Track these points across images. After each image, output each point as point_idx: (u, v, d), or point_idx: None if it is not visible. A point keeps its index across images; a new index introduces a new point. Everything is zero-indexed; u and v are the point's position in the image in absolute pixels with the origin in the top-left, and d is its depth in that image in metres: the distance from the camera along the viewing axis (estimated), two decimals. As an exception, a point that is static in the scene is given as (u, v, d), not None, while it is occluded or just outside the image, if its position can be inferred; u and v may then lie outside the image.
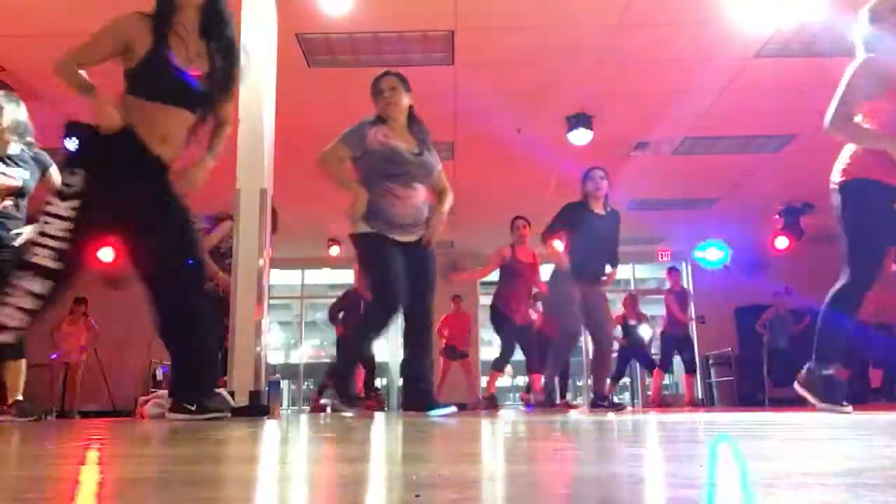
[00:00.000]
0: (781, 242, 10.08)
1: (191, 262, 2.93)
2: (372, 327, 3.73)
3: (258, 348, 4.38)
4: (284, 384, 12.07)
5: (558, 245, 5.36)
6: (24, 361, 3.98)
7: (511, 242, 6.87)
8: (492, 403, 6.92)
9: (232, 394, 4.18)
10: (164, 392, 4.40)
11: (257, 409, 4.27)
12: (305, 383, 13.28)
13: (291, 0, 5.06)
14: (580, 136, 7.19)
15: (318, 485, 0.91)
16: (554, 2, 5.23)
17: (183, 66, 2.82)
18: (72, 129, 6.82)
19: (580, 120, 7.08)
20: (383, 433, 2.16)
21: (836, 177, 3.47)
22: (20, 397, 3.94)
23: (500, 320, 6.74)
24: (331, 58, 5.97)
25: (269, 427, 2.52)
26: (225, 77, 2.95)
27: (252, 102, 4.64)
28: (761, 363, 9.41)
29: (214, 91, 2.93)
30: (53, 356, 8.47)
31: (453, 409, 3.67)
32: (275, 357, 9.37)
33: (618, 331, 8.83)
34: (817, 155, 8.11)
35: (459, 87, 6.36)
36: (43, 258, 2.56)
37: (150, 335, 10.34)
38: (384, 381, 12.19)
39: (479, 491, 0.78)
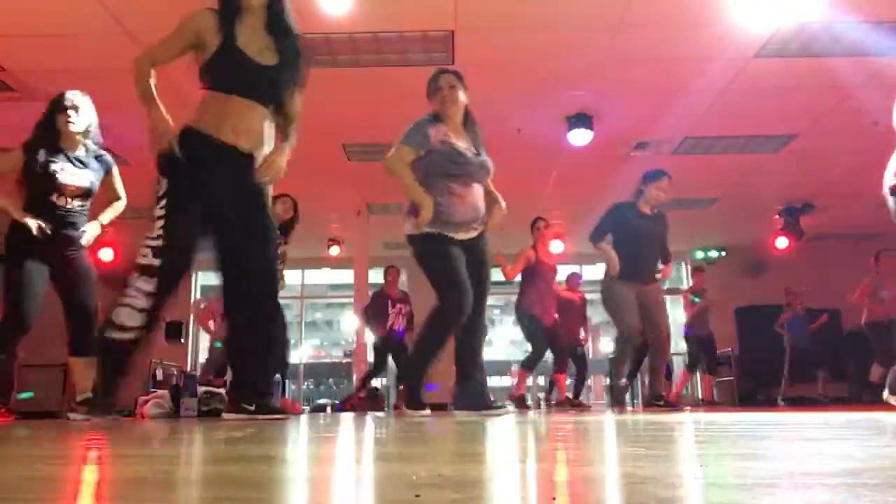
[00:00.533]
0: (781, 242, 10.08)
1: (268, 258, 2.96)
2: (446, 327, 3.66)
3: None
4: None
5: (608, 247, 5.34)
6: (93, 359, 3.98)
7: (533, 243, 6.87)
8: (522, 404, 6.95)
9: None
10: (164, 392, 4.40)
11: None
12: (305, 383, 13.28)
13: (291, 0, 5.06)
14: (580, 136, 7.19)
15: (319, 485, 0.91)
16: (554, 2, 5.22)
17: (253, 58, 2.89)
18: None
19: (580, 120, 7.07)
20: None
21: (888, 180, 3.50)
22: (90, 395, 3.95)
23: (528, 321, 6.79)
24: (331, 58, 5.97)
25: (270, 427, 2.52)
26: (292, 71, 3.01)
27: (252, 102, 4.64)
28: (780, 363, 9.35)
29: (283, 85, 2.98)
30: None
31: (510, 409, 3.62)
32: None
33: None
34: (817, 155, 8.16)
35: (459, 87, 6.36)
36: (146, 258, 2.74)
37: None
38: (384, 380, 12.19)
39: (479, 491, 0.78)
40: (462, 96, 3.78)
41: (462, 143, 3.69)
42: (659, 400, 5.34)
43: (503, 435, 1.96)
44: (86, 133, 4.03)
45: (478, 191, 3.74)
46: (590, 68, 6.17)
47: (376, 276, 13.22)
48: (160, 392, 4.61)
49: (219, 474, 1.04)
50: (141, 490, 0.87)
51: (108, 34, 5.42)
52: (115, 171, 4.17)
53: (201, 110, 2.89)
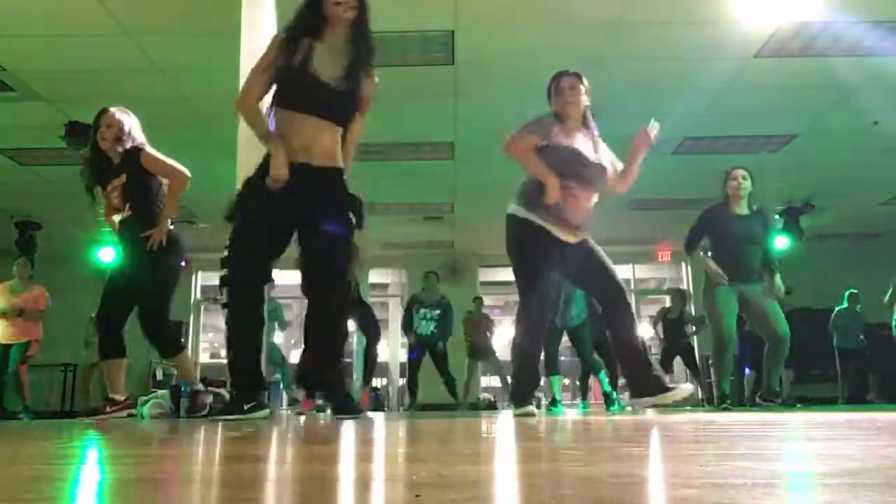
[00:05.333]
0: (781, 242, 10.09)
1: (338, 268, 3.12)
2: (529, 326, 3.60)
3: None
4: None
5: (702, 254, 5.25)
6: (126, 361, 4.12)
7: None
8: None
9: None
10: (165, 392, 4.39)
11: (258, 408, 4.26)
12: (305, 383, 13.20)
13: (291, 0, 5.06)
14: (580, 136, 7.18)
15: (319, 484, 0.91)
16: (554, 1, 5.23)
17: (327, 79, 3.00)
18: (72, 129, 6.81)
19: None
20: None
21: None
22: (119, 396, 4.03)
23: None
24: (331, 58, 5.96)
25: (270, 427, 2.52)
26: (360, 93, 3.13)
27: (252, 102, 4.64)
28: (832, 365, 9.41)
29: (352, 104, 3.10)
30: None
31: (682, 388, 3.50)
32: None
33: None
34: (817, 155, 8.15)
35: (459, 87, 6.36)
36: (221, 270, 3.02)
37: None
38: (384, 380, 12.19)
39: (479, 491, 0.78)
40: (584, 98, 3.74)
41: (582, 147, 3.63)
42: (776, 397, 5.17)
43: (503, 435, 1.96)
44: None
45: (592, 196, 3.66)
46: (590, 68, 6.16)
47: (376, 276, 13.26)
48: (160, 392, 4.60)
49: (218, 474, 1.04)
50: (141, 490, 0.87)
51: (108, 34, 5.42)
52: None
53: (273, 124, 3.03)
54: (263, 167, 3.01)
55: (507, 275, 12.06)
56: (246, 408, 3.00)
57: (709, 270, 5.16)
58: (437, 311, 8.46)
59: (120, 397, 4.08)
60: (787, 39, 5.69)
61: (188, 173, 4.06)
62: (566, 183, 3.52)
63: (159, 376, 9.88)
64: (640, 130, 3.72)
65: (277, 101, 3.06)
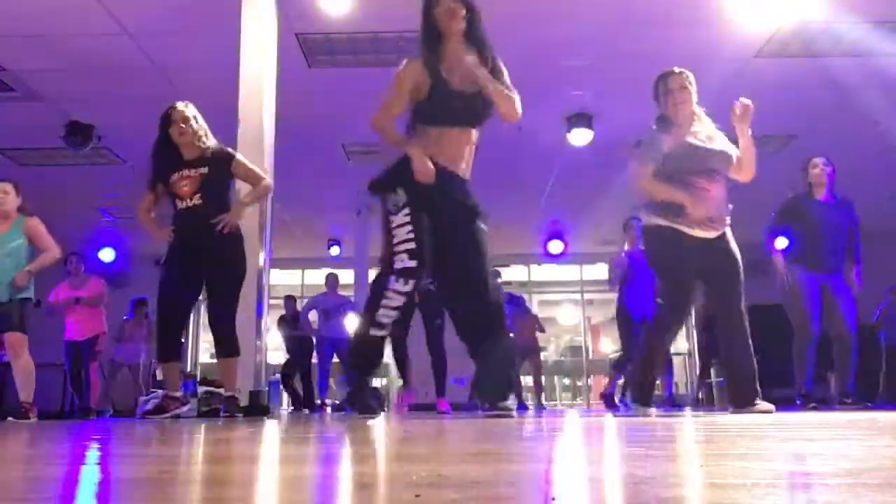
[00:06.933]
0: (781, 243, 10.06)
1: (477, 274, 3.15)
2: (665, 327, 3.67)
3: (258, 348, 4.39)
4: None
5: (781, 243, 5.20)
6: (237, 359, 4.10)
7: (626, 244, 6.80)
8: (611, 402, 6.99)
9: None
10: (165, 392, 4.40)
11: (257, 408, 4.27)
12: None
13: (291, 0, 5.06)
14: (580, 136, 7.19)
15: (319, 484, 0.91)
16: (554, 1, 5.23)
17: (458, 89, 3.11)
18: (72, 129, 6.82)
19: (580, 120, 7.07)
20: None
21: None
22: (233, 393, 4.03)
23: (628, 322, 6.77)
24: (331, 58, 5.97)
25: (269, 427, 2.52)
26: (487, 95, 3.16)
27: (252, 102, 4.65)
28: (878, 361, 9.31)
29: (483, 107, 3.16)
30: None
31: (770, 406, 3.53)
32: (275, 357, 9.38)
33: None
34: (817, 155, 8.14)
35: (459, 87, 6.36)
36: (402, 262, 3.01)
37: (149, 335, 10.16)
38: (384, 381, 12.19)
39: (479, 491, 0.78)
40: (692, 96, 3.75)
41: (696, 138, 3.61)
42: (847, 398, 4.97)
43: (504, 435, 1.96)
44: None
45: (723, 185, 3.64)
46: (590, 68, 6.17)
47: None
48: (160, 392, 4.61)
49: (218, 474, 1.04)
50: (141, 490, 0.87)
51: (108, 34, 5.42)
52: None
53: (419, 140, 3.12)
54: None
55: (508, 275, 12.19)
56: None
57: (777, 258, 5.14)
58: None
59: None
60: (787, 39, 5.69)
61: (271, 183, 4.25)
62: (692, 179, 3.55)
63: (159, 376, 9.87)
64: (730, 108, 3.65)
65: (418, 119, 3.18)
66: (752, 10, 5.25)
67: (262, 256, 4.50)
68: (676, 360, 10.77)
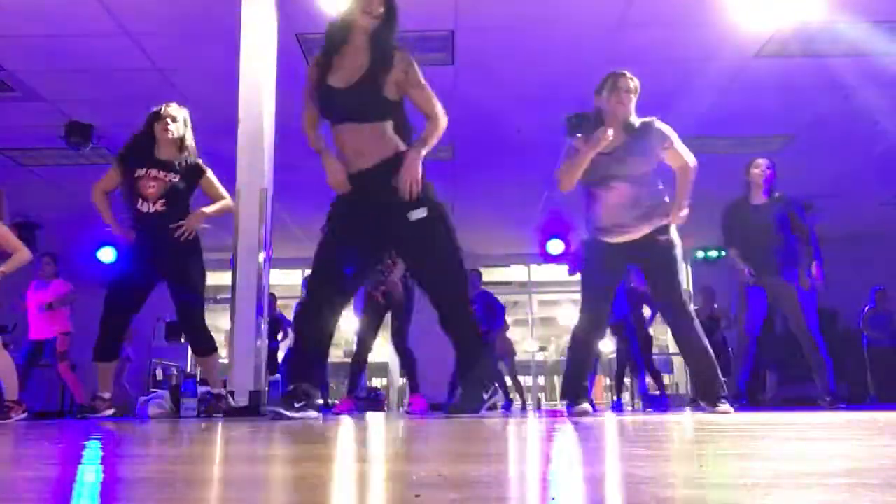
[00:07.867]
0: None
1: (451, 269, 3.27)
2: (583, 335, 3.76)
3: (258, 348, 4.38)
4: (284, 384, 12.06)
5: (735, 252, 5.23)
6: (216, 355, 4.27)
7: None
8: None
9: (232, 394, 4.19)
10: (165, 392, 4.40)
11: (257, 409, 4.26)
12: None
13: (291, 0, 5.06)
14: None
15: (319, 484, 0.91)
16: (554, 1, 5.23)
17: (344, 84, 3.07)
18: (72, 129, 6.82)
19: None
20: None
21: None
22: (220, 391, 4.13)
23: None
24: (331, 58, 5.96)
25: (268, 427, 2.52)
26: (376, 86, 3.13)
27: (252, 102, 4.64)
28: (863, 362, 9.32)
29: (369, 97, 3.12)
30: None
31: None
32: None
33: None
34: (817, 155, 8.15)
35: (459, 87, 6.36)
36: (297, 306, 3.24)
37: (149, 334, 10.27)
38: (384, 381, 12.20)
39: (479, 491, 0.78)
40: (632, 103, 3.84)
41: (612, 143, 3.64)
42: (826, 397, 4.95)
43: (504, 435, 1.96)
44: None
45: (629, 188, 3.63)
46: (590, 68, 6.16)
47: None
48: (160, 392, 4.61)
49: (218, 474, 1.04)
50: (141, 490, 0.87)
51: (108, 34, 5.42)
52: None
53: (329, 143, 3.15)
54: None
55: (508, 275, 12.21)
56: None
57: (737, 266, 5.16)
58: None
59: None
60: (787, 39, 5.69)
61: (233, 205, 4.34)
62: (593, 191, 3.65)
63: (159, 376, 9.87)
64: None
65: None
66: (752, 11, 5.25)
67: (261, 256, 4.50)
68: (676, 361, 10.80)
